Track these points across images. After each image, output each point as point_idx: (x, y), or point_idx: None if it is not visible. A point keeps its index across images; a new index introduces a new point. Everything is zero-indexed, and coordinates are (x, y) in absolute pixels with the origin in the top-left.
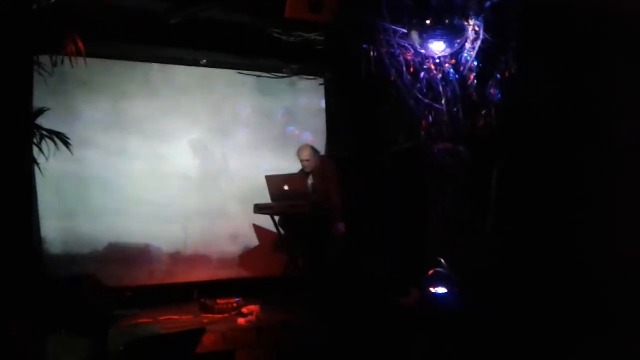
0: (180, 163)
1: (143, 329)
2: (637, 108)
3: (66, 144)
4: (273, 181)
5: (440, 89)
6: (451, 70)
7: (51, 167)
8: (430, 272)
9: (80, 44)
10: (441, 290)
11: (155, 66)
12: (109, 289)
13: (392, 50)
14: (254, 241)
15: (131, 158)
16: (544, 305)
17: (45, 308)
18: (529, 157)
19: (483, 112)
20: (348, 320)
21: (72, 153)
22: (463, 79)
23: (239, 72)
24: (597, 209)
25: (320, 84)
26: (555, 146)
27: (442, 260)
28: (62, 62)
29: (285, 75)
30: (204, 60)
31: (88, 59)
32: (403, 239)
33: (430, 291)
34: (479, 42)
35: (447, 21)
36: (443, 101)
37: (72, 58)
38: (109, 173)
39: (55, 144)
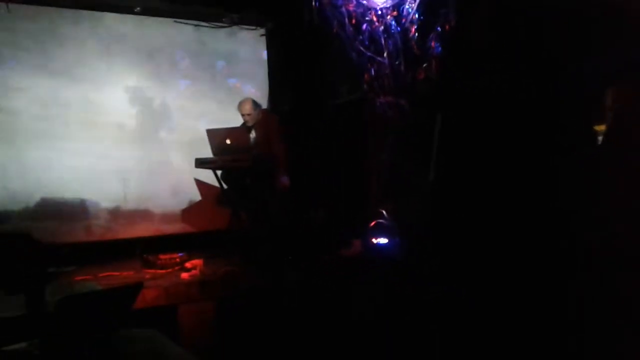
0: (116, 112)
1: (81, 285)
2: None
3: None
4: (215, 135)
5: (382, 41)
6: (393, 22)
7: None
8: (373, 223)
9: None
10: (383, 240)
11: (85, 13)
12: (43, 246)
13: (334, 1)
14: (196, 196)
15: (62, 106)
16: (487, 257)
17: None
18: (469, 110)
19: (424, 65)
20: (291, 273)
21: None
22: (405, 31)
23: (176, 21)
24: (540, 156)
25: (262, 35)
26: (494, 98)
27: (384, 211)
28: None
29: (225, 25)
30: (138, 8)
31: (11, 5)
32: (345, 192)
33: (372, 242)
34: None
35: None
36: (385, 54)
37: None
38: (39, 123)
39: None
